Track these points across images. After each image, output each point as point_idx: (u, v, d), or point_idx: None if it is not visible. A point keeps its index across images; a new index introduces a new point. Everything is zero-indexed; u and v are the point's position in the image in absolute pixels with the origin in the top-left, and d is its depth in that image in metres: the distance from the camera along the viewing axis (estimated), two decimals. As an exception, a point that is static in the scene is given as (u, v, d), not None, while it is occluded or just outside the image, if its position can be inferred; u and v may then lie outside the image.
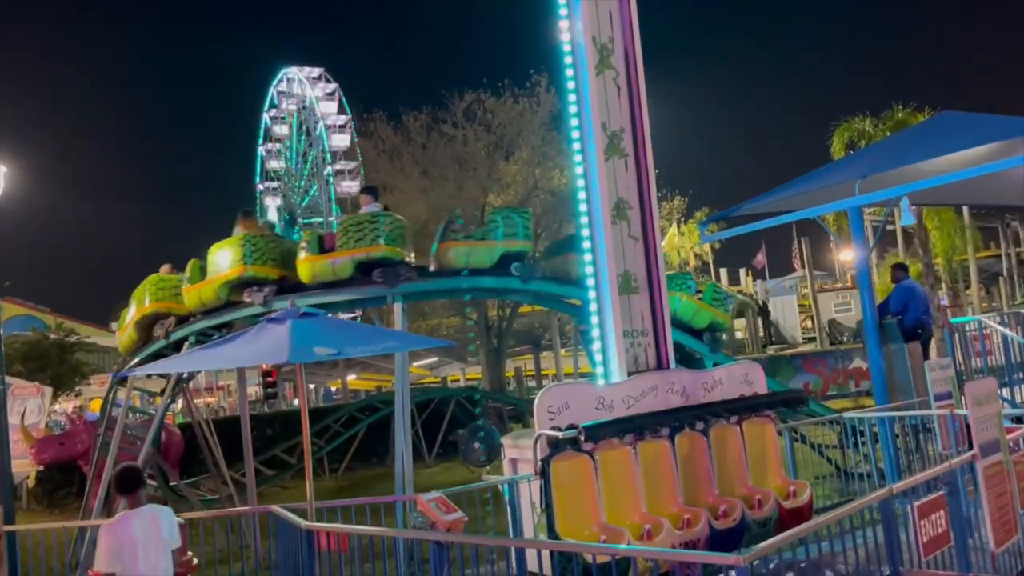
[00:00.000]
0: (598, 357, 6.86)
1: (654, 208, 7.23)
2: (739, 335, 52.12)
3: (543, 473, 5.91)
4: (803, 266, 47.44)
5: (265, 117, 59.30)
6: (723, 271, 60.41)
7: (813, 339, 43.88)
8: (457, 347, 31.49)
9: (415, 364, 44.21)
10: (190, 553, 5.71)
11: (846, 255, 45.49)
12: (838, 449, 10.72)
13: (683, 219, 41.48)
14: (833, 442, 11.47)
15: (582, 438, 5.88)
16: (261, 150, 60.03)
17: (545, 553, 5.72)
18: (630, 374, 6.78)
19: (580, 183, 6.91)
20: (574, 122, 6.88)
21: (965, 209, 44.70)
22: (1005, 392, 10.48)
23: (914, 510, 4.20)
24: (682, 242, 61.99)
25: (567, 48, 6.87)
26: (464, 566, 5.93)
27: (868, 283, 10.43)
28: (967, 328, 11.09)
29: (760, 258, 61.07)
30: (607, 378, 6.77)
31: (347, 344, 5.34)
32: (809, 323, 51.51)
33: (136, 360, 11.18)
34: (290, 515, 5.25)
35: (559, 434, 5.86)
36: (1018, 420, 8.95)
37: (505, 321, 25.25)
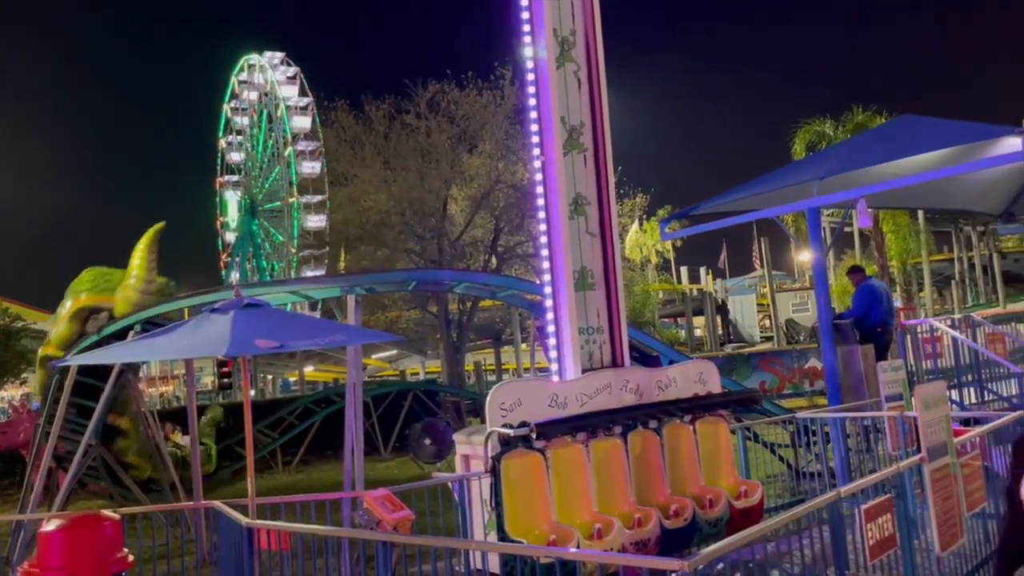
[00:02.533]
0: (553, 354, 6.79)
1: (613, 204, 7.17)
2: (698, 332, 52.67)
3: (494, 471, 5.82)
4: (763, 266, 47.95)
5: (226, 108, 58.37)
6: (684, 269, 60.95)
7: (771, 338, 44.43)
8: (414, 340, 31.32)
9: (374, 357, 43.98)
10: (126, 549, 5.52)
11: (805, 256, 46.18)
12: (791, 448, 10.81)
13: (645, 217, 41.71)
14: (786, 441, 11.57)
15: (534, 436, 5.80)
16: (221, 143, 59.11)
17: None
18: (584, 371, 6.72)
19: (538, 177, 6.82)
20: (533, 115, 6.78)
21: (920, 213, 45.71)
22: (954, 394, 10.65)
23: (861, 513, 4.19)
24: (644, 239, 62.52)
25: (527, 40, 6.77)
26: (412, 564, 5.84)
27: (824, 283, 10.51)
28: (920, 330, 11.24)
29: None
30: (561, 375, 6.69)
31: (291, 338, 5.18)
32: (767, 322, 52.21)
33: (76, 350, 10.88)
34: (231, 512, 5.10)
35: (510, 432, 5.77)
36: (966, 422, 9.09)
37: (466, 315, 25.14)
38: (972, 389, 11.06)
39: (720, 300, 55.37)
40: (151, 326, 10.09)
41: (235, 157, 58.84)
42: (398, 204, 23.72)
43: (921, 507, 5.29)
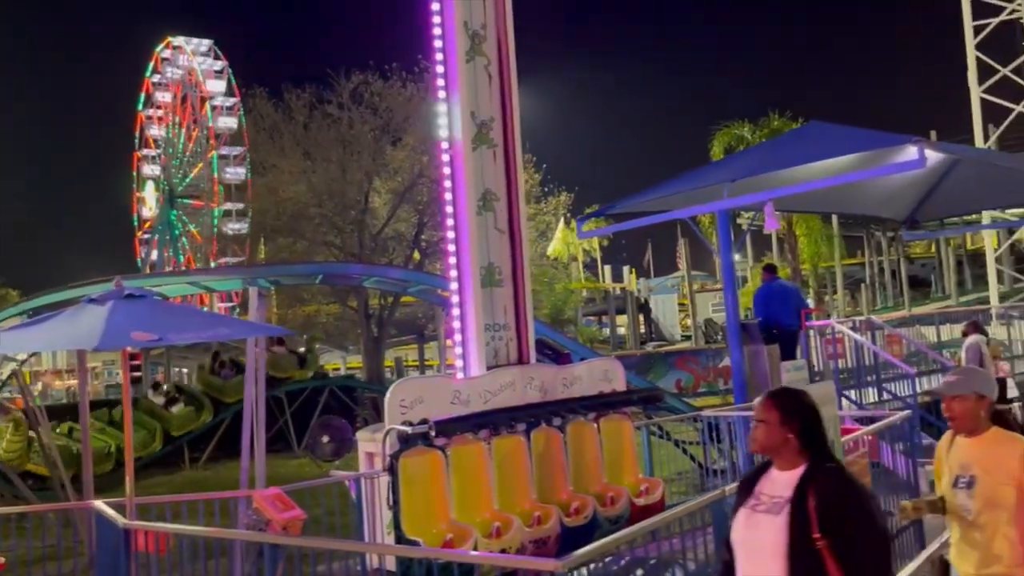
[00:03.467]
0: (458, 350, 6.74)
1: (522, 201, 7.17)
2: (621, 331, 53.39)
3: (392, 469, 5.74)
4: (685, 266, 48.91)
5: (147, 82, 56.18)
6: (607, 268, 61.69)
7: (690, 337, 45.37)
8: (334, 336, 30.88)
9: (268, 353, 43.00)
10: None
11: (725, 257, 47.27)
12: (700, 446, 10.98)
13: (570, 215, 42.05)
14: (696, 439, 11.78)
15: (432, 433, 5.73)
16: (141, 116, 56.86)
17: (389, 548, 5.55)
18: (489, 368, 6.69)
19: (446, 171, 6.75)
20: (442, 108, 6.70)
21: (835, 219, 47.43)
22: (853, 394, 11.02)
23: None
24: (571, 238, 62.96)
25: (437, 32, 6.68)
26: (309, 564, 5.69)
27: (732, 284, 10.70)
28: (827, 332, 11.57)
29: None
30: (466, 372, 6.64)
31: (173, 330, 4.97)
32: (689, 321, 53.30)
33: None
34: (110, 512, 4.87)
35: (409, 429, 5.70)
36: (862, 421, 9.40)
37: (386, 310, 24.86)
38: (871, 389, 11.47)
39: (642, 299, 56.25)
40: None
41: (154, 132, 56.54)
42: (317, 196, 23.30)
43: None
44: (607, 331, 50.60)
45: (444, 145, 6.74)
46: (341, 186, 23.40)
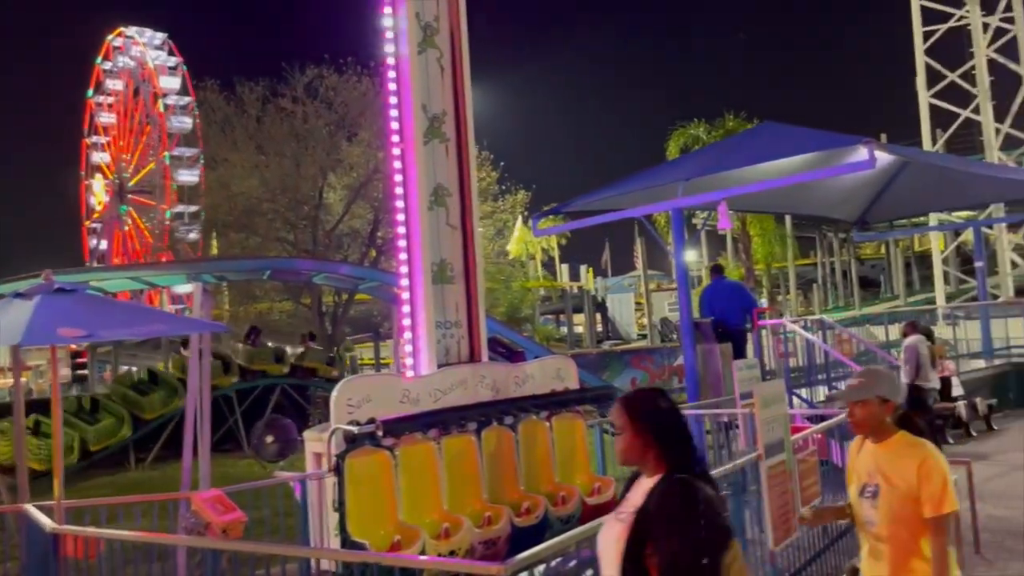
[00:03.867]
0: (408, 348, 6.61)
1: (474, 196, 7.04)
2: (579, 329, 53.57)
3: (338, 470, 5.58)
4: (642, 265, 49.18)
5: (97, 69, 54.63)
6: (565, 267, 61.85)
7: (646, 336, 45.64)
8: (287, 333, 30.48)
9: (243, 348, 42.42)
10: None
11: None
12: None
13: (528, 214, 42.08)
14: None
15: (380, 433, 5.59)
16: (91, 103, 55.30)
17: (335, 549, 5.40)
18: (440, 367, 6.57)
19: (396, 165, 6.61)
20: (392, 100, 6.56)
21: (788, 220, 48.19)
22: (805, 392, 11.13)
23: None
24: (529, 236, 62.99)
25: (388, 23, 6.55)
26: (246, 567, 5.53)
27: (685, 283, 10.77)
28: (781, 331, 11.67)
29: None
30: (416, 370, 6.52)
31: (103, 326, 4.76)
32: (645, 320, 53.70)
33: None
34: (39, 516, 4.66)
35: (354, 428, 5.55)
36: (813, 420, 9.48)
37: (341, 308, 24.57)
38: (822, 387, 11.61)
39: (599, 298, 56.51)
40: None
41: (104, 119, 54.94)
42: (271, 191, 22.94)
43: (757, 503, 5.41)
44: (564, 330, 50.72)
45: (395, 139, 6.61)
46: (295, 181, 23.08)
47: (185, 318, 8.30)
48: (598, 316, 51.62)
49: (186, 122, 49.29)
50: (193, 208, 46.84)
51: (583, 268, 61.61)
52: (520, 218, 44.42)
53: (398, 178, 6.60)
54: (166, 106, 49.64)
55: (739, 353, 10.76)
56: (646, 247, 41.11)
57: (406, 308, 6.59)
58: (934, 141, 33.74)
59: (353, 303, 24.78)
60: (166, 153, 48.92)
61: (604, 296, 58.60)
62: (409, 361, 6.57)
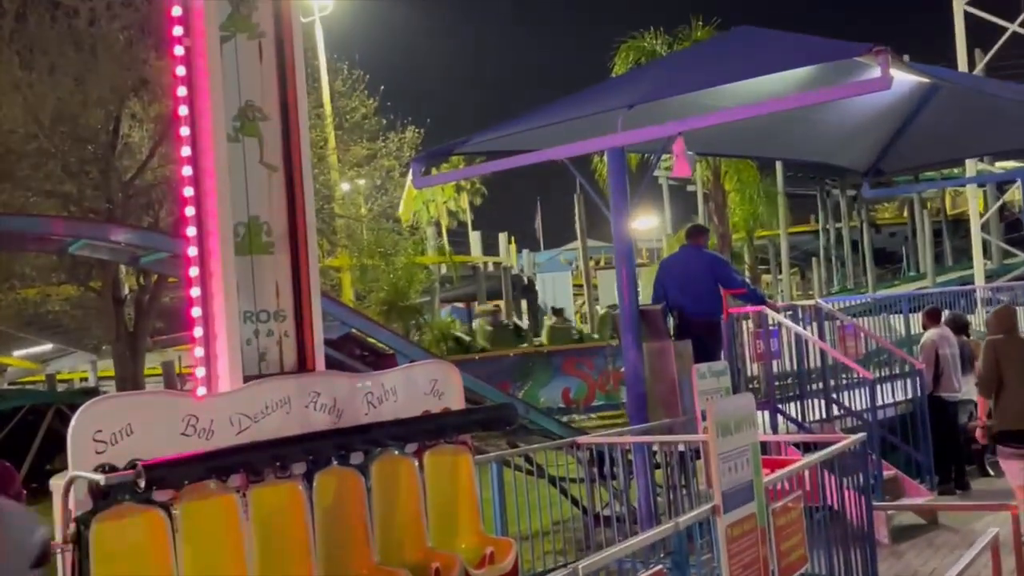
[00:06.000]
0: (198, 352, 6.13)
1: (304, 121, 6.58)
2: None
3: (78, 540, 5.06)
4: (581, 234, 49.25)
5: None
6: (476, 235, 61.67)
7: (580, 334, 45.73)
8: (72, 331, 29.40)
9: (16, 354, 40.90)
10: None
11: (638, 223, 47.96)
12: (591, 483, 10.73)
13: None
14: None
15: (142, 483, 5.07)
16: None
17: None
18: (248, 379, 6.10)
19: (180, 72, 6.06)
20: (173, -30, 5.99)
21: (779, 173, 49.03)
22: (793, 409, 11.00)
23: (613, 599, 3.82)
24: (432, 194, 62.57)
25: None
26: None
27: (628, 255, 10.48)
28: (771, 321, 11.48)
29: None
30: (209, 386, 6.05)
31: None
32: (587, 308, 53.95)
33: None
34: None
35: (101, 478, 5.03)
36: (806, 447, 9.32)
37: (147, 294, 23.63)
38: (818, 401, 11.53)
39: (526, 278, 56.52)
40: None
41: None
42: (39, 122, 21.81)
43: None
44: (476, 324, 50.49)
45: (177, 31, 6.04)
46: (76, 108, 21.97)
47: None
48: (524, 304, 51.62)
49: None
50: None
51: (502, 238, 61.53)
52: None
53: (181, 91, 6.05)
54: None
55: (712, 354, 10.58)
56: (586, 208, 41.02)
57: (194, 291, 6.10)
58: (972, 64, 34.57)
59: (165, 288, 23.88)
60: None
61: (532, 276, 58.67)
62: (199, 372, 6.08)
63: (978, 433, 9.92)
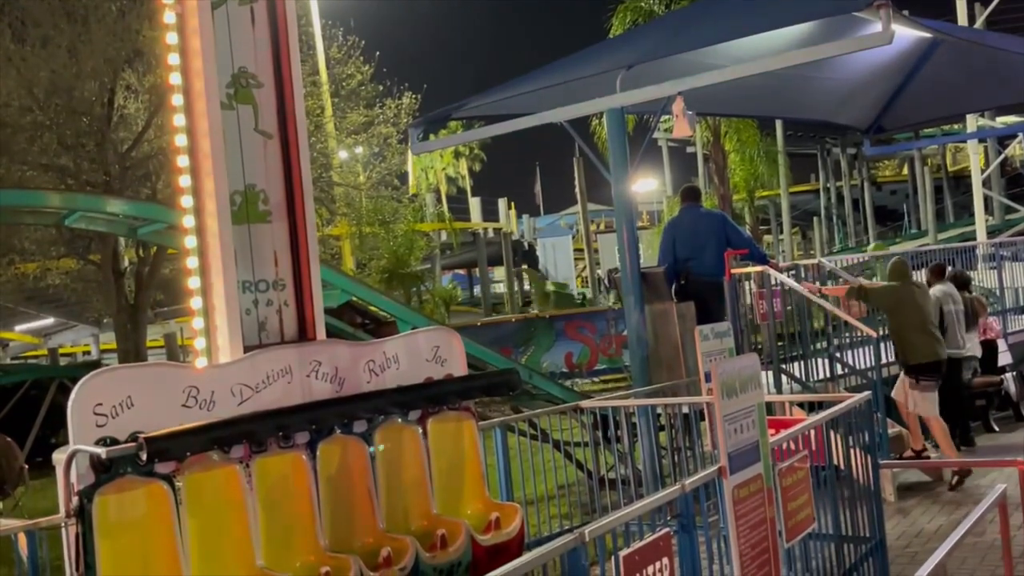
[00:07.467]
0: (198, 323, 6.11)
1: (298, 88, 6.52)
2: (498, 288, 53.49)
3: (81, 514, 5.05)
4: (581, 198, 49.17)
5: None
6: (476, 201, 61.61)
7: (584, 296, 45.79)
8: (73, 304, 29.42)
9: (18, 328, 40.99)
10: None
11: (638, 185, 47.79)
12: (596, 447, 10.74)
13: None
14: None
15: (144, 455, 5.05)
16: None
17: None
18: (248, 349, 6.08)
19: (171, 40, 5.99)
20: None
21: (779, 133, 48.88)
22: (797, 368, 10.99)
23: (620, 562, 3.81)
24: (431, 161, 62.40)
25: None
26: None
27: (630, 216, 10.43)
28: (773, 280, 11.40)
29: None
30: (210, 356, 6.02)
31: None
32: (588, 272, 53.91)
33: None
34: None
35: (103, 451, 5.01)
36: (811, 406, 9.31)
37: (147, 266, 23.60)
38: (822, 360, 11.51)
39: (526, 243, 56.50)
40: None
41: None
42: (33, 95, 21.72)
43: (719, 539, 5.10)
44: (478, 290, 50.48)
45: (168, -1, 5.96)
46: (70, 81, 21.84)
47: None
48: (525, 269, 51.57)
49: None
50: None
51: (502, 203, 61.44)
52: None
53: (173, 59, 5.98)
54: None
55: (716, 315, 10.53)
56: (585, 172, 40.90)
57: (192, 262, 6.06)
58: (972, 18, 34.31)
59: (165, 259, 23.84)
60: None
61: (532, 241, 58.65)
62: (199, 343, 6.05)
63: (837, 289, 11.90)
